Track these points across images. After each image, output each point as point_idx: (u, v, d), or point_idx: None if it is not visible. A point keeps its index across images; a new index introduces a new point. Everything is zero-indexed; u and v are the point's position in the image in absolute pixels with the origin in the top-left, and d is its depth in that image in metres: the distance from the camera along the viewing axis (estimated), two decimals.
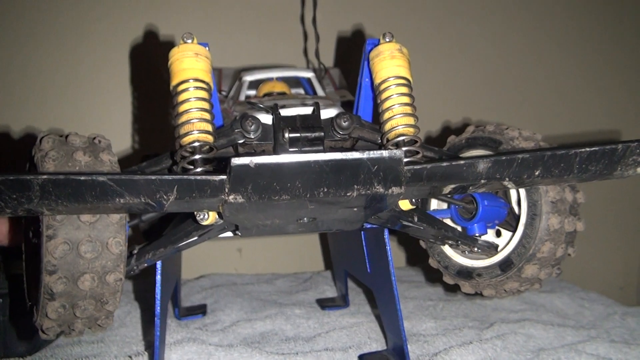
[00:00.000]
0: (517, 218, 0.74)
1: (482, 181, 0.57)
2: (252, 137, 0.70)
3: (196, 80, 0.66)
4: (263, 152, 0.72)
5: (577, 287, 1.33)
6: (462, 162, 0.55)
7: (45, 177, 0.48)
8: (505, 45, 1.81)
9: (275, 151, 0.69)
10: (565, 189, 0.71)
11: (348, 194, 0.53)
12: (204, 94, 0.66)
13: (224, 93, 1.30)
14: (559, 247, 0.71)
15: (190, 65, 0.66)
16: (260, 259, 1.66)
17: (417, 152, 0.67)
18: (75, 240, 0.57)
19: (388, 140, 0.68)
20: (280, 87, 1.07)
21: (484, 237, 0.78)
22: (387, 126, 0.68)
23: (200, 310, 1.21)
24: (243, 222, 0.62)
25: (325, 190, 0.52)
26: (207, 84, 0.66)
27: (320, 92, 1.00)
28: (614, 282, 1.96)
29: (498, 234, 0.79)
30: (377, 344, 0.97)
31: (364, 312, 1.17)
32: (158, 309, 0.80)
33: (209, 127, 0.65)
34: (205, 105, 0.65)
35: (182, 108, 0.64)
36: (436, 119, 1.70)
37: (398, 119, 0.67)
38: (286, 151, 0.68)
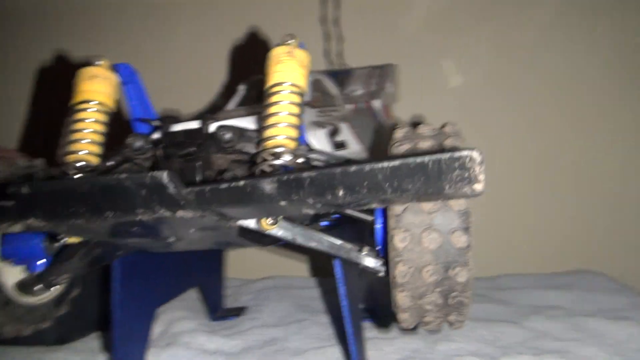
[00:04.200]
0: None
1: (282, 203, 0.49)
2: (143, 153, 0.71)
3: (92, 102, 0.68)
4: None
5: None
6: (242, 183, 0.49)
7: None
8: None
9: (153, 168, 0.68)
10: None
11: (136, 218, 0.51)
12: (98, 116, 0.68)
13: None
14: (424, 271, 0.59)
15: (87, 87, 0.69)
16: None
17: (280, 166, 0.60)
18: None
19: (261, 150, 0.63)
20: None
21: None
22: (262, 135, 0.63)
23: (237, 312, 1.25)
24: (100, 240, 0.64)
25: (111, 213, 0.51)
26: (104, 105, 0.69)
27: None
28: None
29: None
30: None
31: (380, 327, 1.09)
32: (117, 313, 0.85)
33: (95, 148, 0.67)
34: (97, 127, 0.68)
35: (72, 127, 0.68)
36: None
37: (273, 128, 0.62)
38: (164, 167, 0.67)
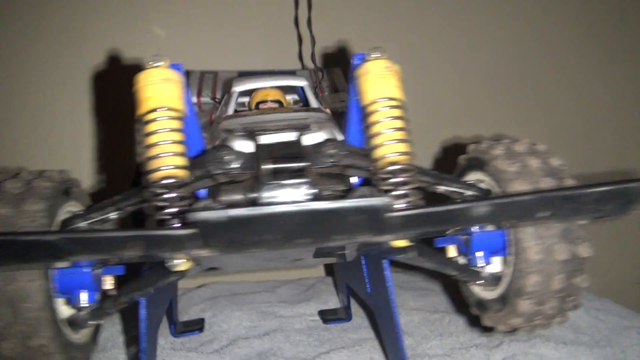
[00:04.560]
0: None
1: (481, 224, 0.51)
2: (230, 167, 0.65)
3: (165, 108, 0.60)
4: (242, 182, 0.67)
5: (592, 295, 1.27)
6: (457, 207, 0.49)
7: None
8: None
9: (256, 183, 0.63)
10: None
11: (329, 244, 0.48)
12: (174, 124, 0.60)
13: (217, 100, 1.25)
14: (554, 280, 0.64)
15: (157, 92, 0.60)
16: None
17: (408, 182, 0.61)
18: None
19: (377, 169, 0.62)
20: (274, 95, 1.01)
21: (490, 266, 0.72)
22: (377, 154, 0.62)
23: (197, 325, 1.17)
24: (220, 266, 0.58)
25: (305, 240, 0.47)
26: (178, 111, 0.61)
27: (313, 102, 0.94)
28: (629, 278, 1.90)
29: None
30: None
31: (366, 327, 1.13)
32: (144, 344, 0.76)
33: (181, 161, 0.59)
34: (177, 136, 0.60)
35: (150, 140, 0.59)
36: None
37: (388, 146, 0.61)
38: (266, 184, 0.62)
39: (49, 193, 0.61)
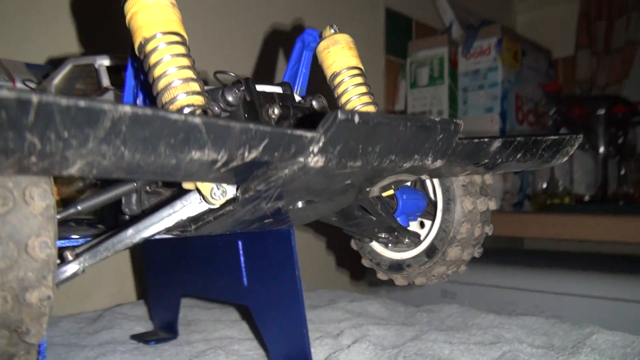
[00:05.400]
0: (435, 207, 0.80)
1: (486, 161, 0.62)
2: (233, 109, 0.61)
3: (172, 33, 0.54)
4: None
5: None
6: (486, 139, 0.59)
7: (129, 110, 0.33)
8: None
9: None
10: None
11: (404, 165, 0.52)
12: (184, 50, 0.55)
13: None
14: (476, 227, 0.79)
15: (161, 16, 0.54)
16: None
17: None
18: None
19: None
20: None
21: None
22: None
23: None
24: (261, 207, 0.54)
25: (392, 157, 0.50)
26: (184, 37, 0.56)
27: None
28: None
29: (422, 225, 0.85)
30: None
31: (198, 341, 1.07)
32: None
33: (199, 87, 0.54)
34: (189, 62, 0.55)
35: (160, 70, 0.52)
36: None
37: (362, 108, 0.69)
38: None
39: None
